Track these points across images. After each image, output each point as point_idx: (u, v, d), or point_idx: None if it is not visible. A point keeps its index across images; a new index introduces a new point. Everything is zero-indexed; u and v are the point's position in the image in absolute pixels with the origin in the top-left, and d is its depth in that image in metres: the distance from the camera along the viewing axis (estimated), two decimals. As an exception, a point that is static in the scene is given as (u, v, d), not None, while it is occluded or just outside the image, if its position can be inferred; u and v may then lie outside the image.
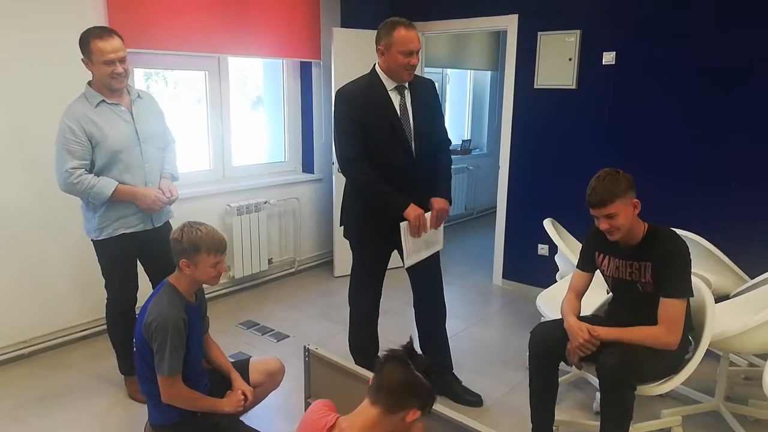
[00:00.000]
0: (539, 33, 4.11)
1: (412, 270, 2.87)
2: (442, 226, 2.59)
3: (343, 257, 4.67)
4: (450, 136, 2.89)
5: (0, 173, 3.11)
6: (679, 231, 2.32)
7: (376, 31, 2.59)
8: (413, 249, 2.63)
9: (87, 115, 2.56)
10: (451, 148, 2.87)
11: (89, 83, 2.64)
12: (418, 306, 2.96)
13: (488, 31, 6.51)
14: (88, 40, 2.53)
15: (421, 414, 1.58)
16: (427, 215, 2.61)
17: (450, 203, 2.74)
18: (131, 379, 2.87)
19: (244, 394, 2.24)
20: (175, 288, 2.13)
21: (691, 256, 2.22)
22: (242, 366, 2.39)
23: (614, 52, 3.83)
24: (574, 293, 2.44)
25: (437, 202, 2.67)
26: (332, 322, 3.91)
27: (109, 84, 2.59)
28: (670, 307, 2.16)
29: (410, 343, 1.64)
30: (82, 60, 2.58)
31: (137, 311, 2.52)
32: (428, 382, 1.58)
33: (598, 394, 2.84)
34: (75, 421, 2.73)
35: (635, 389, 2.15)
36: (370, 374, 2.00)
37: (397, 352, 1.59)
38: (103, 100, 2.61)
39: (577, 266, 2.50)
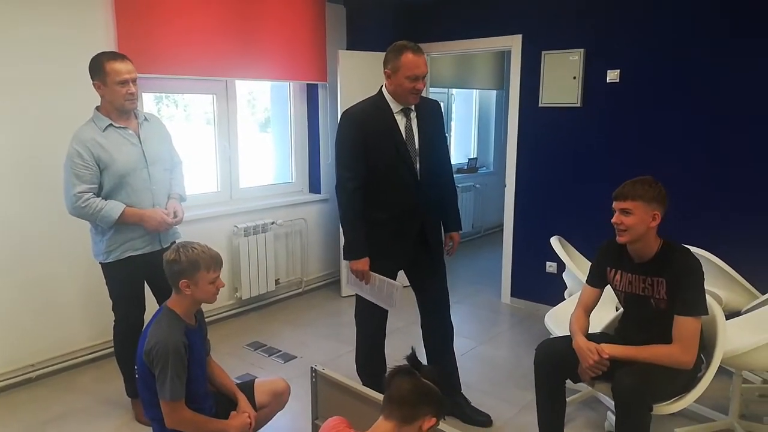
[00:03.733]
0: (543, 52, 4.14)
1: (418, 289, 2.88)
2: (396, 292, 2.60)
3: (351, 277, 4.66)
4: (456, 154, 2.93)
5: (8, 197, 3.15)
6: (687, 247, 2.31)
7: (381, 53, 2.61)
8: (351, 281, 2.72)
9: (95, 139, 2.59)
10: (457, 166, 2.89)
11: (97, 108, 2.68)
12: (425, 325, 2.94)
13: (493, 51, 6.56)
14: (101, 62, 2.57)
15: (437, 421, 1.57)
16: (381, 280, 2.62)
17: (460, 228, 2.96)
18: (138, 401, 2.85)
19: (249, 416, 2.22)
20: (174, 312, 2.12)
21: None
22: (248, 387, 2.37)
23: (618, 70, 3.85)
24: (582, 309, 2.42)
25: (456, 237, 2.93)
26: (340, 342, 3.89)
27: (122, 105, 2.62)
28: (686, 326, 2.14)
29: (413, 353, 1.63)
30: (94, 84, 2.62)
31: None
32: (437, 388, 1.57)
33: (609, 414, 2.81)
34: (82, 444, 2.72)
35: (652, 409, 2.12)
36: (377, 395, 1.98)
37: (403, 365, 1.60)
38: (111, 124, 2.64)
39: (587, 281, 2.48)
